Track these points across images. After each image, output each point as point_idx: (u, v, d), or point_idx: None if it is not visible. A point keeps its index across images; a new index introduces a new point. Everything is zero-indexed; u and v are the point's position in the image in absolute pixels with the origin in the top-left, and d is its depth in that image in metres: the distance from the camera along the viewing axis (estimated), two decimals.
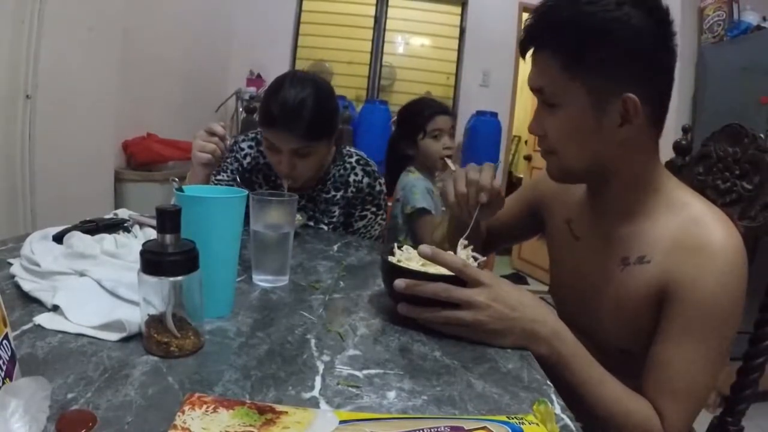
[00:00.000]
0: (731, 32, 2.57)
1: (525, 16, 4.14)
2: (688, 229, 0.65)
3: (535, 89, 0.70)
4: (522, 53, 0.71)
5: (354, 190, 1.27)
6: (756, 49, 2.34)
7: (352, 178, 1.27)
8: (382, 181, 1.32)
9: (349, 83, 4.09)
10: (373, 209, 1.30)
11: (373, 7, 4.09)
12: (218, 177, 1.26)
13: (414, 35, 4.06)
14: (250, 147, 1.29)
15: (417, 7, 4.08)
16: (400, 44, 4.09)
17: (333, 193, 1.27)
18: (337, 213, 1.28)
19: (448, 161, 1.36)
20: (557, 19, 0.65)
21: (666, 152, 0.99)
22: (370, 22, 4.10)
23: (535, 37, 0.68)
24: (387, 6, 4.10)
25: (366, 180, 1.27)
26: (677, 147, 0.96)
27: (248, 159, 1.28)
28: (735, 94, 2.38)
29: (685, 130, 1.01)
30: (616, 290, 0.71)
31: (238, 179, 1.27)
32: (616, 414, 0.62)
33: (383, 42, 4.11)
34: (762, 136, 0.77)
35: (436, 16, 4.04)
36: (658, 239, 0.68)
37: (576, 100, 0.66)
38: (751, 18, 2.52)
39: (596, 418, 0.62)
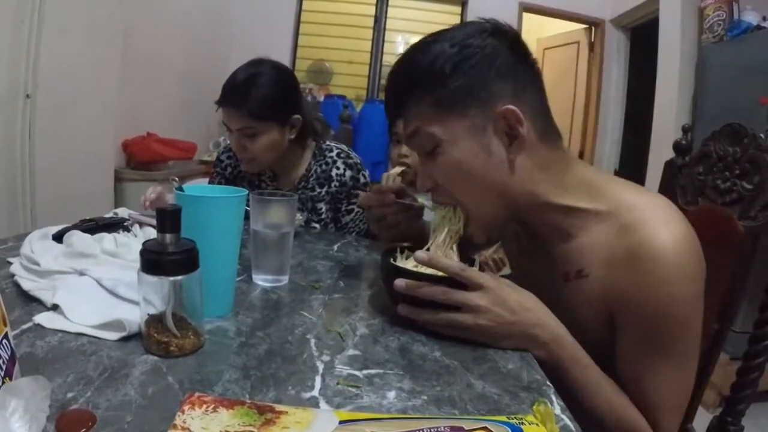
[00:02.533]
0: (731, 32, 2.56)
1: (525, 16, 4.15)
2: (621, 240, 0.61)
3: (410, 136, 0.68)
4: (390, 115, 0.71)
5: (337, 184, 1.26)
6: (756, 49, 2.34)
7: (334, 172, 1.26)
8: (366, 173, 1.31)
9: (349, 83, 4.10)
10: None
11: (373, 7, 4.10)
12: None
13: (414, 35, 4.06)
14: (228, 158, 1.31)
15: (417, 7, 4.08)
16: (400, 44, 4.10)
17: (318, 190, 1.26)
18: (324, 209, 1.27)
19: (392, 170, 1.31)
20: (414, 63, 0.65)
21: (666, 152, 0.99)
22: (370, 22, 4.11)
23: (398, 90, 0.68)
24: (387, 6, 4.10)
25: (348, 173, 1.26)
26: (677, 147, 0.96)
27: (229, 170, 1.30)
28: (735, 94, 2.38)
29: (685, 130, 1.01)
30: (565, 305, 0.67)
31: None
32: (608, 420, 0.61)
33: (383, 42, 4.12)
34: (762, 135, 0.77)
35: (436, 15, 4.04)
36: (593, 251, 0.64)
37: (457, 133, 0.64)
38: (751, 18, 2.52)
39: (591, 422, 0.62)
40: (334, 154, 1.28)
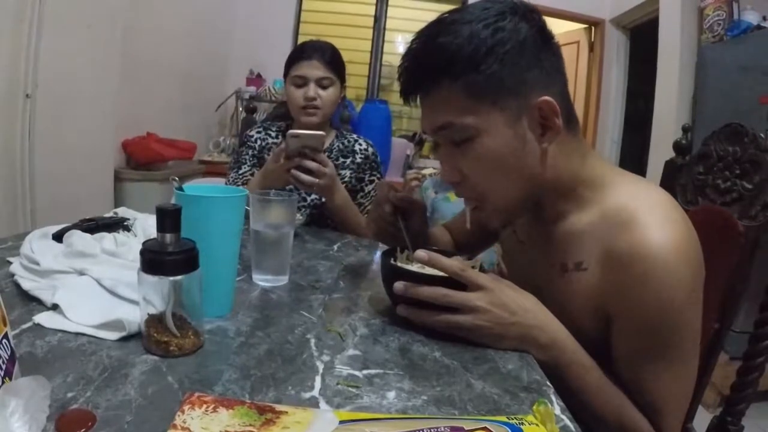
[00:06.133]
0: (731, 32, 2.56)
1: None
2: (620, 237, 0.60)
3: (439, 128, 0.65)
4: (409, 96, 0.67)
5: (362, 156, 1.43)
6: (756, 49, 2.34)
7: (357, 147, 1.44)
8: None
9: (349, 83, 4.07)
10: (378, 176, 1.47)
11: (373, 7, 4.09)
12: (240, 171, 1.40)
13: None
14: (258, 132, 1.47)
15: (417, 7, 4.07)
16: (400, 44, 4.09)
17: (341, 160, 1.42)
18: (348, 175, 1.41)
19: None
20: (444, 46, 0.61)
21: (666, 152, 0.99)
22: (370, 22, 4.10)
23: (425, 73, 0.64)
24: (387, 6, 4.10)
25: (370, 149, 1.45)
26: (677, 146, 0.96)
27: (258, 142, 1.45)
28: (735, 94, 2.38)
29: (685, 130, 1.01)
30: (559, 297, 0.67)
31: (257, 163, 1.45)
32: (610, 422, 0.61)
33: (383, 42, 4.11)
34: (762, 135, 0.77)
35: (436, 15, 4.04)
36: (594, 245, 0.64)
37: (491, 124, 0.62)
38: (751, 18, 2.52)
39: (592, 423, 0.62)
40: (354, 136, 1.47)
